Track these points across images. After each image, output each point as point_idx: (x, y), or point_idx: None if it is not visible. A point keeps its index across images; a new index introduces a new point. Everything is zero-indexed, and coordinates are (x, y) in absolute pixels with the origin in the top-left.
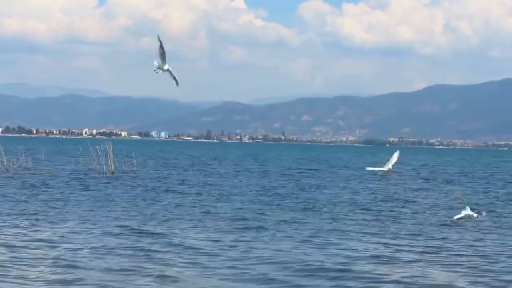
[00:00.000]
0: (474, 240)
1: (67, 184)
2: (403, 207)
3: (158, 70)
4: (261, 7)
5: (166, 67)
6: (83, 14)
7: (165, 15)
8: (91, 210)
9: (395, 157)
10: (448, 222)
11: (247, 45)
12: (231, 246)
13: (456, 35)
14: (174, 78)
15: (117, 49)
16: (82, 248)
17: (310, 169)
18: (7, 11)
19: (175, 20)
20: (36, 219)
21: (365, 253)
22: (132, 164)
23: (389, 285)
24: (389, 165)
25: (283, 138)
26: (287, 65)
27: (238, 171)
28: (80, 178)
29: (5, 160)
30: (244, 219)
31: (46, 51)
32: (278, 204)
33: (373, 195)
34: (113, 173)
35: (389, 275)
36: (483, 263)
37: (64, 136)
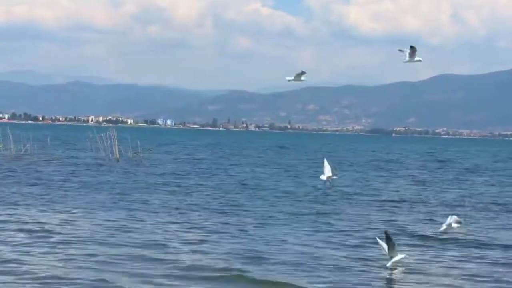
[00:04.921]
0: None
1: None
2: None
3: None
4: None
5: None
6: (90, 1)
7: (172, 2)
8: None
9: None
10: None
11: (254, 33)
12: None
13: (463, 25)
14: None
15: (124, 36)
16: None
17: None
18: None
19: (181, 8)
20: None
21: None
22: (136, 153)
23: None
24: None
25: (289, 126)
26: (294, 54)
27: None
28: (84, 164)
29: (12, 147)
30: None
31: (53, 38)
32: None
33: None
34: (118, 160)
35: None
36: None
37: (70, 123)
